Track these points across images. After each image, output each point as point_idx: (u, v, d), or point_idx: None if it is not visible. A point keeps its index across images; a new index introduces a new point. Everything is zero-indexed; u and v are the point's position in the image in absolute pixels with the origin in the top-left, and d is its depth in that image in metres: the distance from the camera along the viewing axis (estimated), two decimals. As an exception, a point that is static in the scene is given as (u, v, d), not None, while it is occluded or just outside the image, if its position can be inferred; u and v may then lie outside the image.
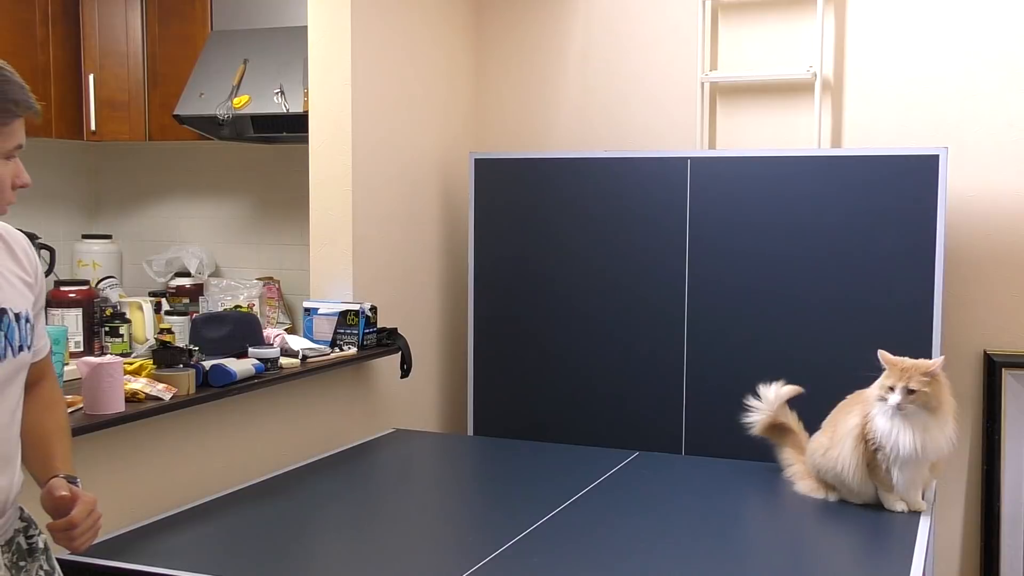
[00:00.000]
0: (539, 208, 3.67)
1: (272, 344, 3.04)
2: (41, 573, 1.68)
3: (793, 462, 2.84)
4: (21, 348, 1.61)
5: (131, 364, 2.58)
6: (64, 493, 1.60)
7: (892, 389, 2.48)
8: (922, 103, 3.59)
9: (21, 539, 1.66)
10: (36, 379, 1.75)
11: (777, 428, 2.90)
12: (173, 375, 2.55)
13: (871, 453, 2.55)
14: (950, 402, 2.54)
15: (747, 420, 2.92)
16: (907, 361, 2.51)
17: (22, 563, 1.64)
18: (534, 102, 4.09)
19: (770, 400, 2.89)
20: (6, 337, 1.57)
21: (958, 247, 3.57)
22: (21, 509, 1.68)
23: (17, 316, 1.61)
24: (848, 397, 2.74)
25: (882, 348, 2.59)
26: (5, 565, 1.60)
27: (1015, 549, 3.52)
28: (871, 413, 2.55)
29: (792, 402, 3.31)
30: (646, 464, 3.07)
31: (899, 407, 2.46)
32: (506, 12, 4.11)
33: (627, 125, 3.95)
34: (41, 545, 1.71)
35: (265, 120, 3.91)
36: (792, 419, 2.91)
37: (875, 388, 2.55)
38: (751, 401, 2.92)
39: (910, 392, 2.46)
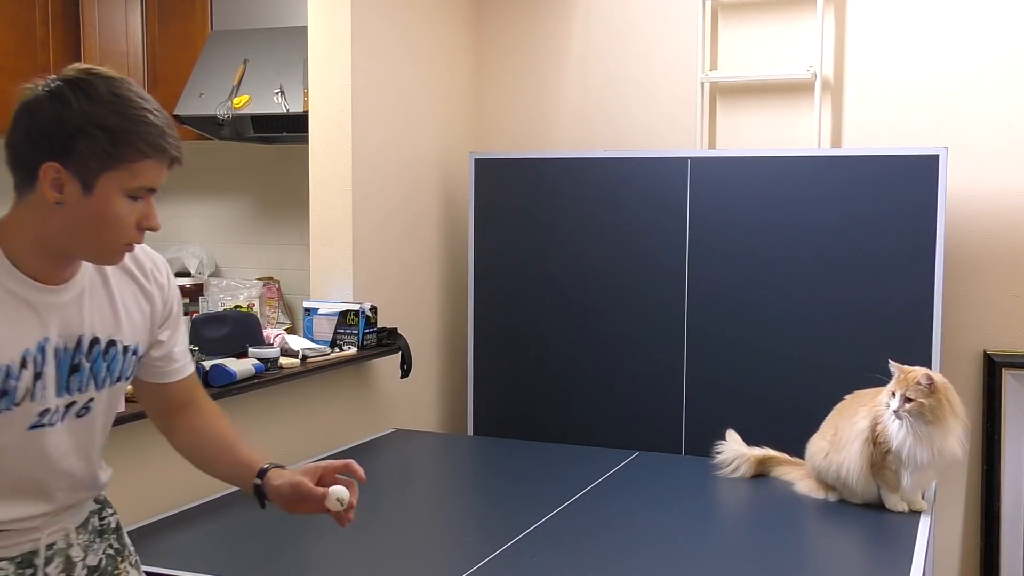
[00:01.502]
0: (539, 208, 3.67)
1: (272, 344, 3.04)
2: (110, 551, 1.75)
3: (790, 472, 2.84)
4: (119, 378, 1.65)
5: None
6: (321, 492, 1.70)
7: (894, 395, 2.52)
8: (922, 103, 3.59)
9: (95, 520, 1.74)
10: (190, 396, 1.84)
11: (761, 461, 2.92)
12: (173, 375, 2.55)
13: (880, 454, 2.55)
14: (958, 410, 2.54)
15: (731, 468, 2.92)
16: (914, 371, 2.54)
17: (94, 542, 1.72)
18: (534, 102, 4.09)
19: (737, 446, 2.93)
20: (108, 368, 1.61)
21: (958, 247, 3.57)
22: None
23: (125, 349, 1.63)
24: (847, 398, 2.74)
25: (883, 348, 2.60)
26: (80, 545, 1.67)
27: (1015, 549, 3.52)
28: (883, 419, 2.56)
29: (792, 403, 3.32)
30: (646, 464, 3.07)
31: (896, 413, 2.50)
32: (506, 12, 4.11)
33: (627, 125, 3.95)
34: (113, 524, 1.78)
35: (265, 120, 3.91)
36: (768, 450, 2.93)
37: (883, 395, 2.58)
38: (725, 450, 2.93)
39: (907, 400, 2.48)
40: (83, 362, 1.56)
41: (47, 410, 1.53)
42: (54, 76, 1.46)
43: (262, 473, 1.76)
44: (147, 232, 1.52)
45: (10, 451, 1.52)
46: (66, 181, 1.43)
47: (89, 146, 1.42)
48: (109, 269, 1.61)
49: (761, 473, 2.91)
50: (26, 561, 1.59)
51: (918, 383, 2.49)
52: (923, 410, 2.48)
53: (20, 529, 1.57)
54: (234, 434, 1.84)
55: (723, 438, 2.99)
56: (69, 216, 1.45)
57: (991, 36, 3.51)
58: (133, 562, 1.81)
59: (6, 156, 1.47)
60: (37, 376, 1.50)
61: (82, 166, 1.42)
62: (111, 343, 1.60)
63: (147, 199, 1.49)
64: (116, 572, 1.75)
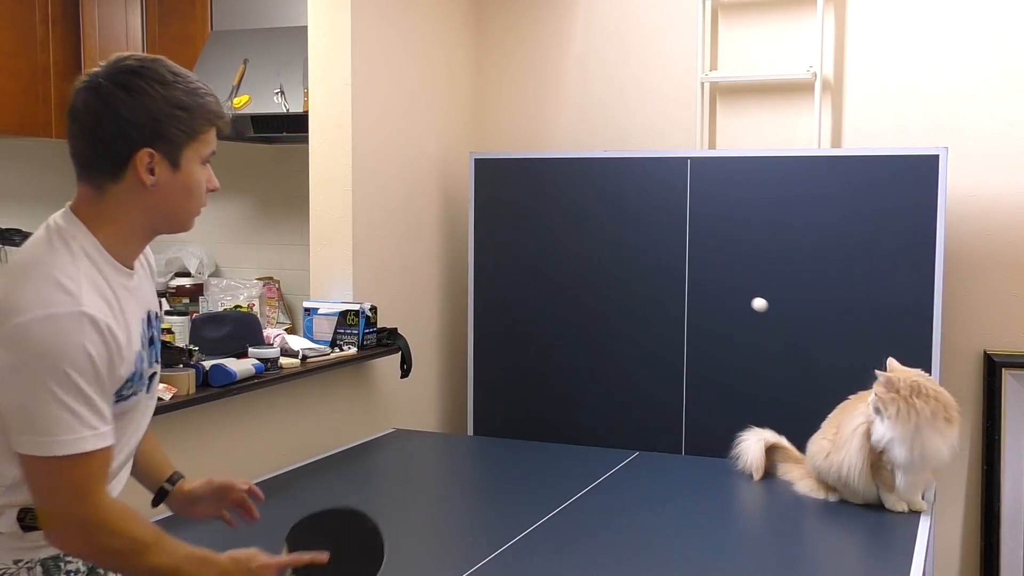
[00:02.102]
0: (539, 208, 3.67)
1: (272, 344, 3.04)
2: None
3: (792, 471, 2.84)
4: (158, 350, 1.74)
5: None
6: (246, 484, 1.87)
7: (883, 404, 2.53)
8: (922, 103, 3.59)
9: None
10: None
11: (771, 448, 2.92)
12: (173, 375, 2.55)
13: (877, 454, 2.55)
14: (951, 413, 2.53)
15: (741, 458, 2.93)
16: (896, 373, 2.54)
17: None
18: (534, 102, 4.09)
19: (761, 438, 2.94)
20: (159, 338, 1.71)
21: (958, 247, 3.57)
22: None
23: (158, 316, 1.72)
24: (850, 398, 2.74)
25: (882, 348, 2.61)
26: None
27: (1015, 549, 3.52)
28: (873, 422, 2.56)
29: (792, 403, 3.32)
30: (646, 464, 3.07)
31: (877, 412, 2.52)
32: (506, 12, 4.11)
33: (627, 125, 3.95)
34: None
35: (265, 120, 3.91)
36: (781, 439, 2.94)
37: (872, 398, 2.59)
38: (744, 440, 2.94)
39: (886, 404, 2.49)
40: (154, 335, 1.68)
41: (146, 383, 1.65)
42: (102, 70, 1.53)
43: (175, 479, 1.86)
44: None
45: (123, 432, 1.60)
46: (157, 163, 1.53)
47: (175, 126, 1.53)
48: None
49: (769, 463, 2.91)
50: None
51: (897, 388, 2.50)
52: (903, 411, 2.48)
53: None
54: (152, 434, 1.86)
55: (723, 438, 2.99)
56: (162, 195, 1.56)
57: (991, 36, 3.50)
58: None
59: (87, 153, 1.54)
60: (146, 355, 1.63)
61: (170, 146, 1.54)
62: (157, 314, 1.72)
63: (208, 163, 1.63)
64: None
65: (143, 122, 1.51)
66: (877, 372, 2.56)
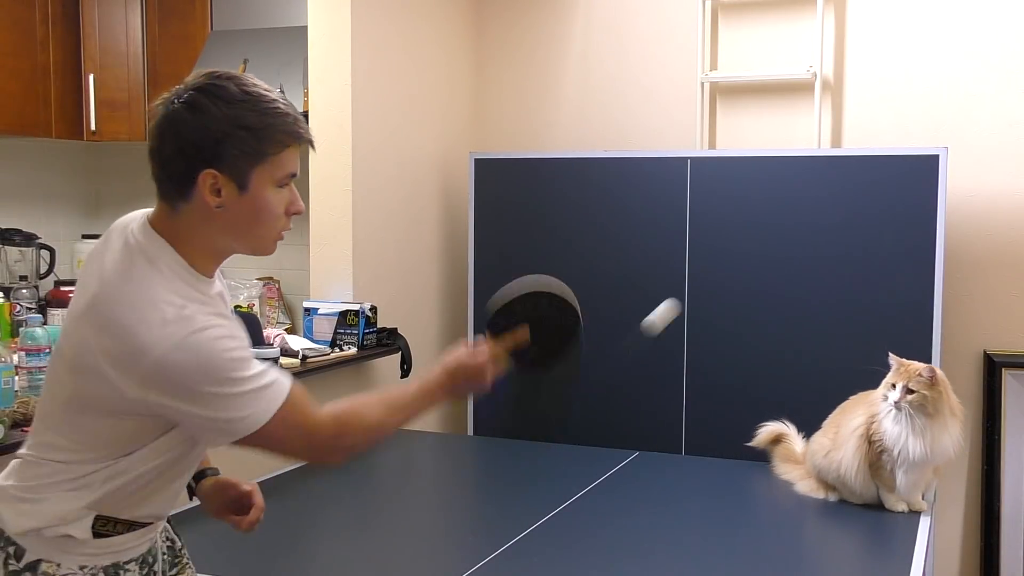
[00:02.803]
0: (539, 208, 3.67)
1: (272, 344, 3.04)
2: (169, 542, 1.79)
3: (792, 470, 2.85)
4: None
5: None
6: (250, 487, 1.83)
7: (894, 387, 2.51)
8: (922, 103, 3.59)
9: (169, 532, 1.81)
10: None
11: (776, 438, 2.93)
12: (173, 375, 2.55)
13: (876, 454, 2.55)
14: (957, 407, 2.54)
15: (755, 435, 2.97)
16: (913, 363, 2.53)
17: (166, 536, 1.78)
18: (534, 102, 4.09)
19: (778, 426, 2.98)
20: None
21: (958, 247, 3.57)
22: None
23: None
24: (851, 398, 2.74)
25: (882, 348, 2.60)
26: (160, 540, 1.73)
27: (1015, 549, 3.52)
28: (879, 415, 2.55)
29: (792, 403, 3.32)
30: (646, 464, 3.07)
31: (896, 405, 2.49)
32: (506, 12, 4.11)
33: (627, 125, 3.95)
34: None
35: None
36: (789, 431, 2.95)
37: (881, 388, 2.58)
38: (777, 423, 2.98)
39: (909, 392, 2.47)
40: None
41: None
42: (182, 87, 1.52)
43: (203, 474, 1.87)
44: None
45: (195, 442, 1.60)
46: (223, 184, 1.49)
47: (238, 147, 1.48)
48: None
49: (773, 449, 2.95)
50: (145, 560, 1.65)
51: (920, 375, 2.48)
52: (924, 402, 2.47)
53: (154, 524, 1.65)
54: None
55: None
56: (230, 216, 1.52)
57: (991, 36, 3.50)
58: (187, 555, 1.85)
59: (157, 172, 1.53)
60: None
61: (234, 167, 1.49)
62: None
63: (290, 185, 1.57)
64: (177, 561, 1.80)
65: (203, 143, 1.48)
66: (892, 357, 2.56)
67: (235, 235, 1.55)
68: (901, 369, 2.53)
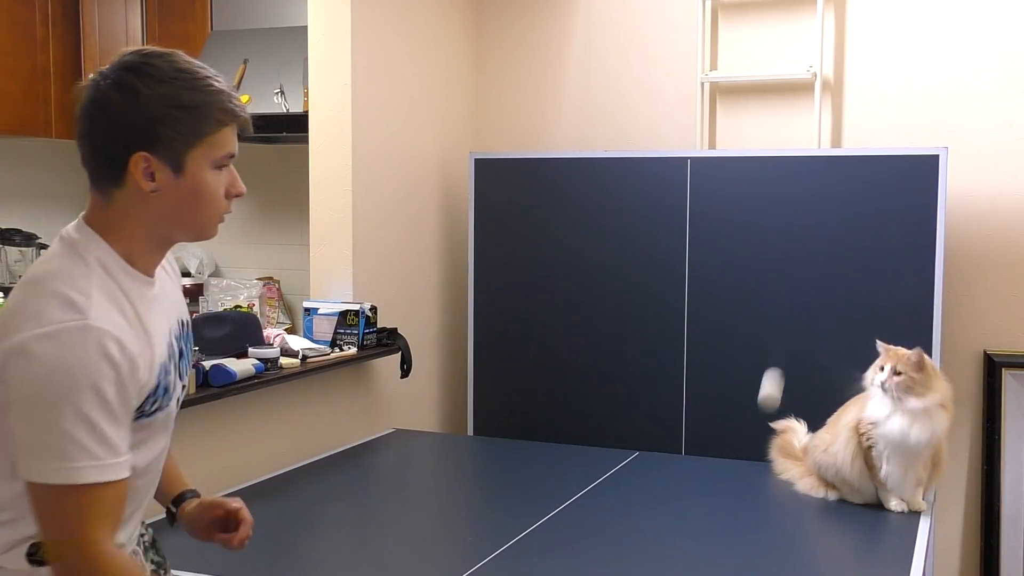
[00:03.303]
0: (539, 208, 3.67)
1: (272, 344, 3.04)
2: (152, 565, 1.73)
3: (791, 469, 2.85)
4: (189, 357, 1.65)
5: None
6: (238, 504, 1.71)
7: (882, 370, 2.55)
8: (922, 103, 3.59)
9: (147, 536, 1.74)
10: None
11: (785, 445, 2.95)
12: (173, 375, 2.55)
13: (866, 450, 2.56)
14: (946, 395, 2.55)
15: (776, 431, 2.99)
16: (901, 348, 2.57)
17: (145, 559, 1.70)
18: (534, 102, 4.09)
19: (798, 430, 2.98)
20: (190, 346, 1.62)
21: (958, 247, 3.57)
22: None
23: (190, 323, 1.64)
24: (852, 399, 2.75)
25: (881, 340, 2.62)
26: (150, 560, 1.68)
27: (1015, 549, 3.52)
28: (868, 398, 2.58)
29: (792, 402, 3.31)
30: (646, 464, 3.07)
31: (883, 385, 2.52)
32: (506, 12, 4.11)
33: (627, 125, 3.95)
34: (149, 540, 1.75)
35: (265, 120, 3.91)
36: (794, 427, 2.96)
37: (868, 373, 2.61)
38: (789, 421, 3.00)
39: (897, 374, 2.50)
40: (184, 346, 1.58)
41: (178, 399, 1.57)
42: (108, 66, 1.43)
43: (182, 499, 1.75)
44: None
45: (148, 451, 1.51)
46: (157, 168, 1.41)
47: (173, 128, 1.40)
48: None
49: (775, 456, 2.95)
50: None
51: (908, 359, 2.51)
52: (912, 384, 2.49)
53: (123, 544, 1.53)
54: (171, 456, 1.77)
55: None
56: (167, 201, 1.44)
57: (991, 36, 3.51)
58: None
59: (87, 157, 1.45)
60: (175, 367, 1.53)
61: (169, 149, 1.41)
62: (186, 322, 1.62)
63: (230, 166, 1.49)
64: None
65: (136, 123, 1.39)
66: (880, 344, 2.58)
67: (173, 221, 1.46)
68: (889, 353, 2.56)
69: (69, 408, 1.30)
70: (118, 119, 1.40)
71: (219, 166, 1.47)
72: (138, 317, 1.43)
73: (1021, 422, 3.50)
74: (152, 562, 1.73)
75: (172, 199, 1.44)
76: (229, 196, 1.50)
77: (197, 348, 2.79)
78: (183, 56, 1.46)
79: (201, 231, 1.50)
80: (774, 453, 2.93)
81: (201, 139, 1.43)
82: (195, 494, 1.76)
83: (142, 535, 1.71)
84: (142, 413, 1.44)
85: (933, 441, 2.53)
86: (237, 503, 1.72)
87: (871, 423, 2.55)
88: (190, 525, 1.74)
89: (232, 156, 1.48)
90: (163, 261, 1.58)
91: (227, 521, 1.72)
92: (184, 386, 1.60)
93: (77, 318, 1.33)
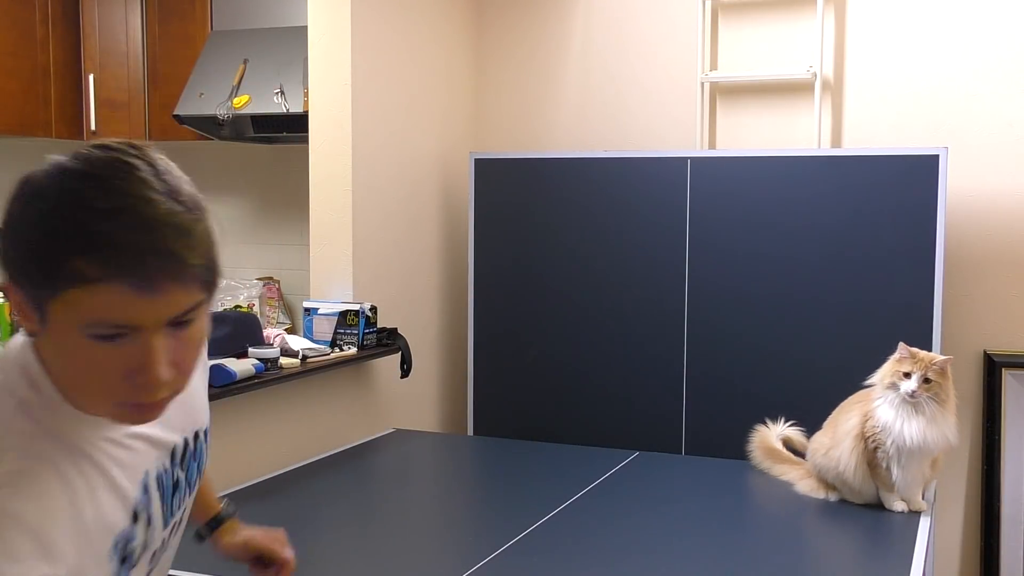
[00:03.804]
0: (539, 208, 3.67)
1: (272, 344, 3.04)
2: None
3: (792, 471, 2.85)
4: (204, 467, 1.37)
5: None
6: (287, 556, 1.57)
7: (907, 376, 2.48)
8: (922, 103, 3.59)
9: None
10: None
11: (770, 452, 2.93)
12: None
13: (871, 452, 2.56)
14: (953, 398, 2.55)
15: (750, 443, 2.98)
16: (925, 353, 2.53)
17: None
18: (534, 102, 4.09)
19: (775, 430, 2.97)
20: (198, 465, 1.32)
21: (958, 247, 3.57)
22: None
23: (205, 433, 1.34)
24: (850, 398, 2.74)
25: (882, 348, 2.60)
26: None
27: (1015, 549, 3.52)
28: (875, 403, 2.55)
29: (792, 403, 3.32)
30: (646, 464, 3.07)
31: (913, 394, 2.46)
32: (506, 12, 4.11)
33: (627, 125, 3.95)
34: None
35: (265, 120, 3.91)
36: (780, 447, 2.96)
37: (885, 375, 2.55)
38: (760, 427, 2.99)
39: (927, 381, 2.46)
40: (180, 475, 1.25)
41: (155, 552, 1.23)
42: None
43: (220, 519, 1.59)
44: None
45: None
46: (22, 306, 1.04)
47: (24, 264, 1.00)
48: None
49: (763, 465, 2.94)
50: None
51: (934, 364, 2.47)
52: (939, 391, 2.48)
53: None
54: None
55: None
56: (47, 353, 1.07)
57: (991, 36, 3.51)
58: None
59: None
60: (148, 521, 1.18)
61: (24, 289, 1.02)
62: (196, 436, 1.30)
63: (144, 335, 1.01)
64: None
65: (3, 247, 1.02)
66: (903, 347, 2.53)
67: (56, 380, 1.07)
68: (916, 359, 2.49)
69: None
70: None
71: (102, 337, 1.00)
72: (91, 485, 1.07)
73: (1021, 422, 3.50)
74: None
75: (48, 353, 1.06)
76: (128, 377, 1.02)
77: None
78: (132, 166, 1.02)
79: (86, 404, 1.07)
80: (754, 447, 2.94)
81: (56, 294, 0.99)
82: (231, 514, 1.59)
83: None
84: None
85: (949, 443, 2.52)
86: (287, 553, 1.56)
87: (883, 429, 2.52)
88: (224, 553, 1.59)
89: (126, 330, 1.00)
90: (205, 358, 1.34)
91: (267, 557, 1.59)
92: (181, 519, 1.31)
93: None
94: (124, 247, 0.96)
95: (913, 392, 2.47)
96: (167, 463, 1.22)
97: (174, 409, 1.23)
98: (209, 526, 1.59)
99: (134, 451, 1.15)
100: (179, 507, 1.27)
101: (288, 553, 1.58)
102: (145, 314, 0.99)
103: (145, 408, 1.05)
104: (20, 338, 1.10)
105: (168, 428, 1.22)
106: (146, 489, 1.16)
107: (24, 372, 1.07)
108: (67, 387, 1.06)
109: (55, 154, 1.06)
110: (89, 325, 0.99)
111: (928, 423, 2.48)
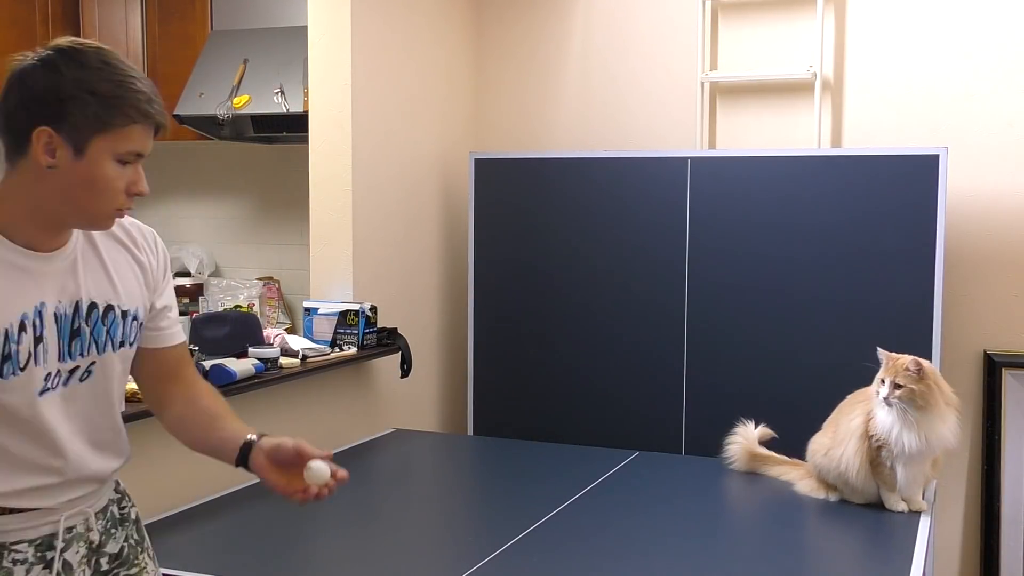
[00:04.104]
0: (539, 208, 3.67)
1: (272, 344, 3.04)
2: (131, 540, 1.78)
3: (787, 472, 2.84)
4: (122, 343, 1.67)
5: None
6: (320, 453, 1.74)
7: (883, 382, 2.52)
8: (922, 103, 3.59)
9: (114, 508, 1.76)
10: (181, 368, 1.84)
11: (755, 457, 2.92)
12: (173, 375, 2.55)
13: (875, 451, 2.55)
14: (951, 396, 2.55)
15: (728, 454, 2.96)
16: (901, 357, 2.54)
17: (113, 530, 1.74)
18: (534, 102, 4.09)
19: (750, 435, 2.95)
20: (108, 332, 1.64)
21: (958, 247, 3.57)
22: (117, 482, 1.79)
23: (124, 313, 1.66)
24: (849, 396, 2.74)
25: (882, 347, 2.60)
26: (98, 530, 1.70)
27: (1015, 549, 3.52)
28: (873, 409, 2.56)
29: (792, 403, 3.31)
30: (646, 464, 3.07)
31: (886, 400, 2.50)
32: (506, 12, 4.11)
33: (627, 125, 3.95)
34: (132, 516, 1.81)
35: (265, 120, 3.91)
36: (765, 451, 2.95)
37: (874, 383, 2.58)
38: (733, 436, 2.97)
39: (897, 387, 2.48)
40: (83, 326, 1.60)
41: (50, 374, 1.57)
42: (43, 47, 1.50)
43: (251, 444, 1.75)
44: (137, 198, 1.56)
45: (20, 420, 1.55)
46: (58, 145, 1.47)
47: (81, 111, 1.46)
48: (99, 238, 1.65)
49: (754, 471, 2.91)
50: (45, 543, 1.61)
51: (907, 369, 2.49)
52: (913, 396, 2.48)
53: (38, 509, 1.59)
54: (225, 407, 1.84)
55: (723, 438, 2.99)
56: (61, 181, 1.49)
57: (990, 36, 3.50)
58: (151, 555, 1.84)
59: (0, 126, 1.51)
60: (38, 340, 1.54)
61: (74, 130, 1.46)
62: (109, 308, 1.64)
63: (135, 165, 1.53)
64: (136, 562, 1.78)
65: (47, 99, 1.46)
66: (881, 352, 2.56)
67: (65, 201, 1.51)
68: (889, 364, 2.53)
69: None
70: (33, 91, 1.47)
71: (123, 161, 1.51)
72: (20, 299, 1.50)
73: (1021, 422, 3.50)
74: (132, 537, 1.78)
75: (67, 180, 1.49)
76: (130, 193, 1.53)
77: (197, 348, 2.79)
78: (116, 54, 1.52)
79: (92, 220, 1.55)
80: (769, 467, 2.92)
81: (107, 129, 1.48)
82: (256, 439, 1.76)
83: (121, 507, 1.76)
84: None
85: (949, 443, 2.52)
86: (318, 451, 1.75)
87: (882, 437, 2.53)
88: (260, 474, 1.74)
89: (140, 155, 1.52)
90: (126, 245, 1.68)
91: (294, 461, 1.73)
92: (84, 368, 1.61)
93: None
94: (149, 101, 1.51)
95: (885, 398, 2.50)
96: (69, 309, 1.58)
97: (90, 273, 1.61)
98: (241, 453, 1.74)
99: (48, 283, 1.55)
100: (79, 353, 1.60)
101: (322, 452, 1.75)
102: (147, 146, 1.53)
103: (123, 214, 1.56)
104: None
105: (75, 285, 1.59)
106: (40, 314, 1.54)
107: None
108: (68, 208, 1.51)
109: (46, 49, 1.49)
110: (123, 153, 1.50)
111: (925, 426, 2.48)
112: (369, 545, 2.34)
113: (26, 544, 1.58)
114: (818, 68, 3.65)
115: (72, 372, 1.61)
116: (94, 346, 1.63)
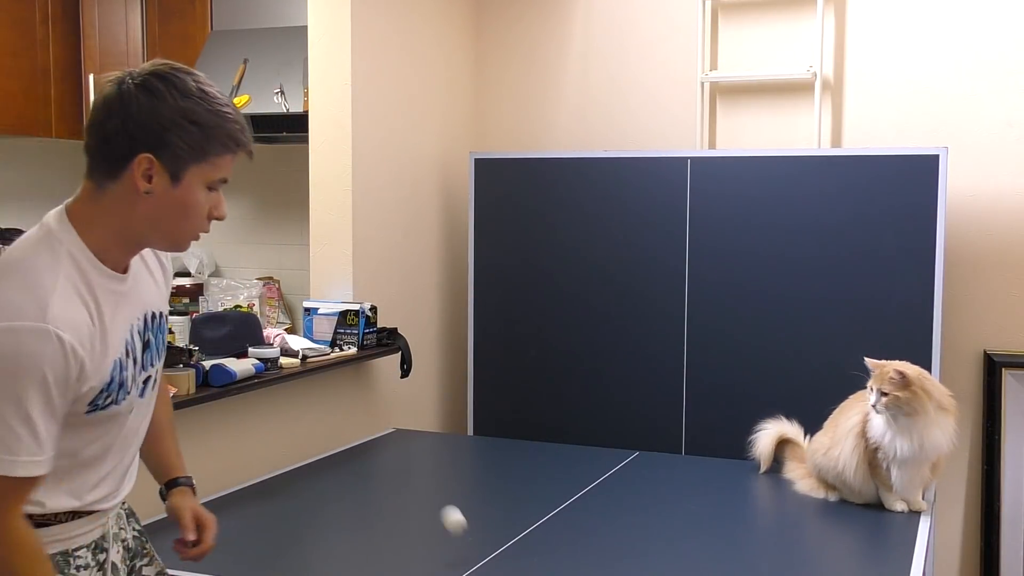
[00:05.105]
0: (539, 208, 3.67)
1: (272, 344, 3.04)
2: (135, 531, 1.81)
3: (795, 468, 2.85)
4: (167, 346, 1.75)
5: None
6: (192, 536, 1.80)
7: (872, 390, 2.54)
8: (922, 103, 3.59)
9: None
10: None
11: (784, 441, 2.93)
12: (173, 375, 2.55)
13: (871, 452, 2.56)
14: (944, 400, 2.54)
15: (762, 425, 2.97)
16: (888, 365, 2.54)
17: (127, 525, 1.79)
18: (534, 102, 4.09)
19: (785, 426, 2.97)
20: (163, 338, 1.71)
21: (958, 247, 3.57)
22: None
23: (164, 317, 1.73)
24: (850, 397, 2.75)
25: (882, 348, 2.61)
26: (121, 527, 1.75)
27: (1015, 549, 3.52)
28: (869, 413, 2.57)
29: (792, 403, 3.32)
30: (646, 464, 3.07)
31: (874, 408, 2.51)
32: (506, 12, 4.11)
33: (627, 125, 3.95)
34: (129, 508, 1.84)
35: (265, 120, 3.91)
36: (795, 431, 2.94)
37: (867, 390, 2.60)
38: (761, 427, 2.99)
39: (883, 395, 2.49)
40: (151, 337, 1.66)
41: (137, 392, 1.63)
42: (136, 71, 1.51)
43: (172, 484, 1.86)
44: None
45: (113, 435, 1.60)
46: (156, 172, 1.49)
47: (182, 139, 1.49)
48: None
49: (777, 454, 2.94)
50: (98, 546, 1.65)
51: (891, 377, 2.50)
52: (899, 403, 2.48)
53: (99, 511, 1.64)
54: (170, 422, 1.89)
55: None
56: (154, 206, 1.52)
57: (990, 36, 3.50)
58: (149, 545, 1.87)
59: (94, 146, 1.51)
60: (135, 361, 1.60)
61: (174, 158, 1.49)
62: (161, 314, 1.70)
63: (219, 190, 1.57)
64: (145, 552, 1.82)
65: (150, 125, 1.47)
66: (868, 361, 2.57)
67: (155, 225, 1.54)
68: (877, 372, 2.54)
69: (13, 402, 1.39)
70: (136, 117, 1.48)
71: (211, 187, 1.55)
72: (99, 312, 1.51)
73: (1021, 422, 3.50)
74: (135, 528, 1.81)
75: (160, 205, 1.52)
76: (211, 217, 1.58)
77: (197, 348, 2.79)
78: (209, 81, 1.55)
79: (176, 242, 1.59)
80: (787, 459, 2.92)
81: (204, 158, 1.51)
82: (187, 482, 1.86)
83: (123, 501, 1.79)
84: (95, 407, 1.53)
85: (943, 448, 2.52)
86: (191, 535, 1.80)
87: (876, 442, 2.54)
88: (168, 513, 1.85)
89: (225, 181, 1.57)
90: (145, 256, 1.68)
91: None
92: (152, 377, 1.67)
93: (36, 316, 1.41)
94: (243, 130, 1.55)
95: (874, 406, 2.51)
96: (141, 323, 1.63)
97: (145, 286, 1.65)
98: (167, 485, 1.85)
99: (130, 303, 1.59)
100: (150, 364, 1.66)
101: (198, 536, 1.82)
102: (231, 173, 1.57)
103: (197, 237, 1.60)
104: (53, 221, 1.53)
105: (146, 299, 1.65)
106: (131, 334, 1.59)
107: (71, 236, 1.51)
108: (155, 232, 1.55)
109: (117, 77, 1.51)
110: (214, 181, 1.54)
111: (920, 432, 2.49)
112: (369, 545, 2.34)
113: (84, 549, 1.62)
114: (818, 68, 3.65)
115: (146, 382, 1.65)
116: (157, 354, 1.68)
